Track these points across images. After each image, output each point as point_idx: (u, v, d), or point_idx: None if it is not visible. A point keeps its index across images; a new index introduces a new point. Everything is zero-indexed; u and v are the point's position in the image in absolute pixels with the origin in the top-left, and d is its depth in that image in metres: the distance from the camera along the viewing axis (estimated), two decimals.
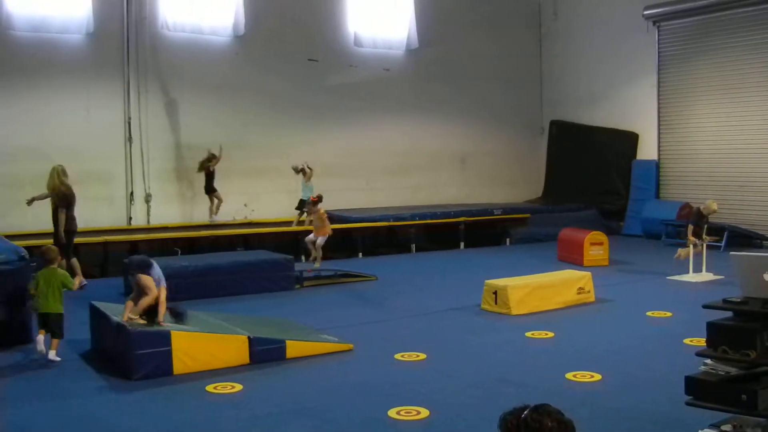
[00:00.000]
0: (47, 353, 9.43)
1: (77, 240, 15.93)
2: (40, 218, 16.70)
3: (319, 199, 15.87)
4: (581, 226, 18.06)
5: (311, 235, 15.54)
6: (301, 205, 18.55)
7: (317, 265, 15.33)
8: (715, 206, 15.23)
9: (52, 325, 9.61)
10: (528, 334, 10.48)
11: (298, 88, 20.93)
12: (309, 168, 18.72)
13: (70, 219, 14.59)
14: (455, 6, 23.23)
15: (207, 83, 19.88)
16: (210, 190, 18.87)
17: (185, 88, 19.70)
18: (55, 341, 9.54)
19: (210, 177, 18.75)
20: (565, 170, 24.17)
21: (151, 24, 19.36)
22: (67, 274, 10.84)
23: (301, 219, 18.66)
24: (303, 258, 16.44)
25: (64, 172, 14.45)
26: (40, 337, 9.61)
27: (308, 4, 21.25)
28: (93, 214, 17.93)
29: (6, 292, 10.43)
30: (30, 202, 14.94)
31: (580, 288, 12.56)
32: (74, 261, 14.88)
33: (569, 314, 11.84)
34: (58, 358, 9.43)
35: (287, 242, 18.30)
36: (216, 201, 19.05)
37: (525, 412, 3.06)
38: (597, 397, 7.82)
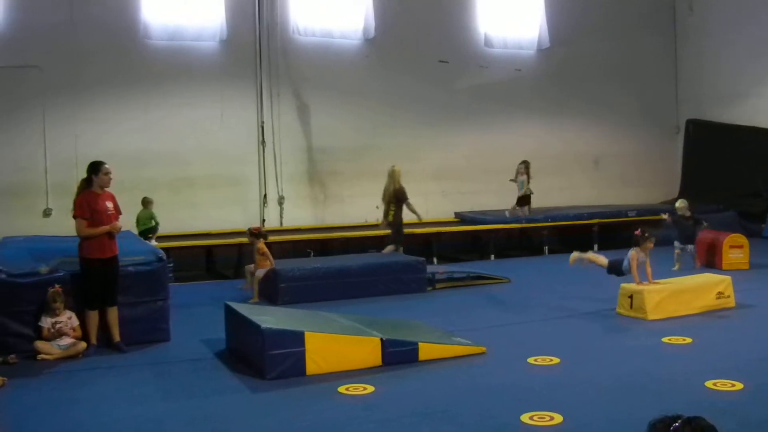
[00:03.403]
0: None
1: (214, 241, 16.38)
2: (173, 221, 17.18)
3: (259, 231, 14.58)
4: (720, 229, 17.45)
5: (252, 266, 14.29)
6: (520, 202, 19.47)
7: (254, 299, 13.62)
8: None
9: (149, 235, 16.21)
10: (665, 339, 10.16)
11: (429, 90, 20.94)
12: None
13: (401, 213, 16.49)
14: (587, 3, 22.88)
15: (338, 86, 20.06)
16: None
17: (316, 91, 19.93)
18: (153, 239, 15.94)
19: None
20: (702, 171, 23.46)
21: (282, 29, 19.66)
22: (154, 213, 16.80)
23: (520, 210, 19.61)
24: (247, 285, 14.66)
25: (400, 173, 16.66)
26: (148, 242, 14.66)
27: (438, 6, 21.23)
28: (227, 216, 18.32)
29: (145, 292, 10.69)
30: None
31: (719, 292, 12.14)
32: (400, 249, 16.43)
33: (708, 320, 11.45)
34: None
35: (418, 244, 18.33)
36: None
37: (676, 423, 2.90)
38: (740, 407, 7.45)
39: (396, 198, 16.42)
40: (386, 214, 16.61)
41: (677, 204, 16.50)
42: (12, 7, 17.67)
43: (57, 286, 10.08)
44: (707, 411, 5.40)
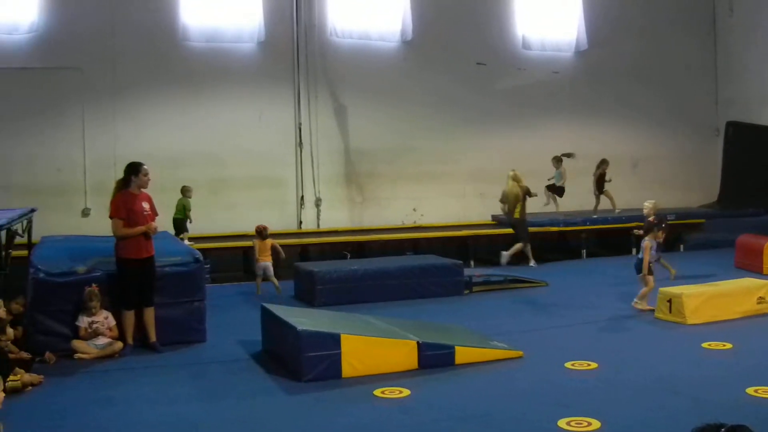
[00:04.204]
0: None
1: (251, 243, 16.42)
2: (210, 222, 17.22)
3: (258, 232, 15.09)
4: (761, 232, 17.23)
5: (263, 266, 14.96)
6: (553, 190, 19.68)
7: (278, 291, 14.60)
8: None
9: (181, 235, 16.14)
10: (704, 344, 10.02)
11: (466, 93, 20.87)
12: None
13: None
14: (624, 5, 22.69)
15: (375, 88, 20.05)
16: (600, 191, 19.97)
17: (354, 93, 19.93)
18: (185, 234, 16.29)
19: (602, 179, 19.89)
20: (742, 173, 23.12)
21: (320, 31, 19.69)
22: (189, 203, 16.81)
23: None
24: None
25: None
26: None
27: (476, 8, 21.16)
28: (265, 217, 18.26)
29: (181, 292, 10.72)
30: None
31: (760, 297, 11.95)
32: (528, 247, 17.88)
33: (749, 325, 11.26)
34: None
35: (456, 247, 18.29)
36: (598, 201, 20.13)
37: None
38: None
39: (525, 196, 17.72)
40: (512, 212, 17.84)
41: (645, 203, 15.98)
42: (53, 9, 17.83)
43: (94, 285, 10.13)
44: (749, 419, 5.30)
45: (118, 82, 18.22)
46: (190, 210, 16.89)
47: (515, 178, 17.76)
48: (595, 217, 19.98)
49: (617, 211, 20.07)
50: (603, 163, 19.82)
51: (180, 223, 16.75)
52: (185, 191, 16.98)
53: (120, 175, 10.53)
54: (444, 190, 20.39)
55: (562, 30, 22.23)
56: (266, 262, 14.84)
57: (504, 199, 17.93)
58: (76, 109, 17.99)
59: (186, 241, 15.75)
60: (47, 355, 9.66)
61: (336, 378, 8.67)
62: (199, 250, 12.10)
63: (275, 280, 14.83)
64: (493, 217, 20.30)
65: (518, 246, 17.69)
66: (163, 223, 12.58)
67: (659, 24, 23.07)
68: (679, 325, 11.19)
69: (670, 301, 11.54)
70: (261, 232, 14.98)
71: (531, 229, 19.06)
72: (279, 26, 19.40)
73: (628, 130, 22.75)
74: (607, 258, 19.11)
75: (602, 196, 19.91)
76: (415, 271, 14.24)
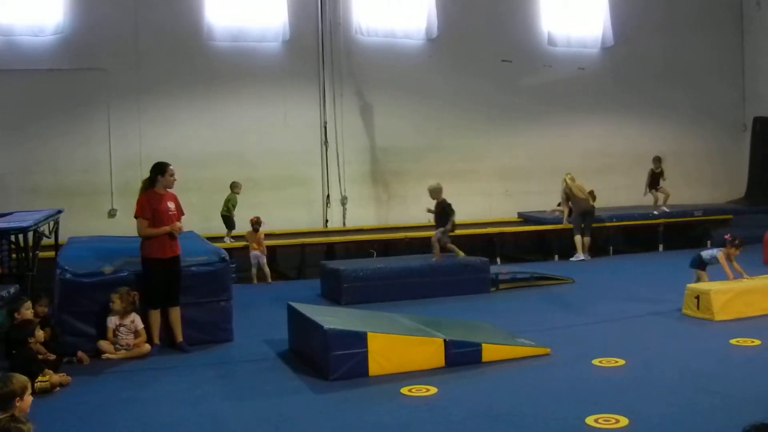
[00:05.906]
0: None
1: (277, 242, 16.46)
2: (236, 221, 17.20)
3: (253, 224, 16.49)
4: None
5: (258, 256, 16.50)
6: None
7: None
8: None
9: (226, 222, 16.88)
10: (732, 341, 9.94)
11: (492, 90, 20.81)
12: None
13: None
14: (650, 0, 22.56)
15: (401, 86, 20.02)
16: (653, 187, 20.13)
17: (379, 91, 19.91)
18: (230, 233, 16.88)
19: (656, 176, 20.03)
20: None
21: (345, 29, 19.69)
22: (234, 198, 17.13)
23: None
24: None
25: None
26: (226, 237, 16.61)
27: (501, 5, 21.09)
28: (291, 216, 18.39)
29: (208, 292, 10.73)
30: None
31: None
32: (578, 238, 18.42)
33: None
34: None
35: (482, 245, 18.24)
36: (662, 196, 20.17)
37: None
38: None
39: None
40: (588, 199, 18.65)
41: (428, 186, 15.64)
42: (78, 11, 17.90)
43: (133, 293, 10.13)
44: None
45: (143, 83, 18.28)
46: (234, 206, 17.06)
47: (572, 179, 18.56)
48: (666, 211, 20.11)
49: (656, 211, 19.92)
50: (654, 160, 19.99)
51: (225, 219, 16.87)
52: (234, 187, 17.12)
53: (146, 175, 10.56)
54: (470, 188, 20.30)
55: (588, 26, 22.11)
56: (258, 252, 16.28)
57: (573, 197, 18.47)
58: (102, 110, 18.06)
59: (228, 240, 15.98)
60: (79, 354, 9.71)
61: (363, 376, 8.66)
62: (225, 249, 12.12)
63: (267, 270, 16.35)
64: (520, 215, 20.22)
65: (587, 240, 18.37)
66: (190, 222, 12.60)
67: (686, 19, 22.90)
68: (707, 322, 11.12)
69: (698, 297, 11.46)
70: (254, 225, 16.38)
71: (554, 226, 19.06)
72: (304, 25, 19.41)
73: (654, 126, 22.59)
74: (633, 254, 19.03)
75: (658, 193, 20.18)
76: (441, 269, 14.24)
